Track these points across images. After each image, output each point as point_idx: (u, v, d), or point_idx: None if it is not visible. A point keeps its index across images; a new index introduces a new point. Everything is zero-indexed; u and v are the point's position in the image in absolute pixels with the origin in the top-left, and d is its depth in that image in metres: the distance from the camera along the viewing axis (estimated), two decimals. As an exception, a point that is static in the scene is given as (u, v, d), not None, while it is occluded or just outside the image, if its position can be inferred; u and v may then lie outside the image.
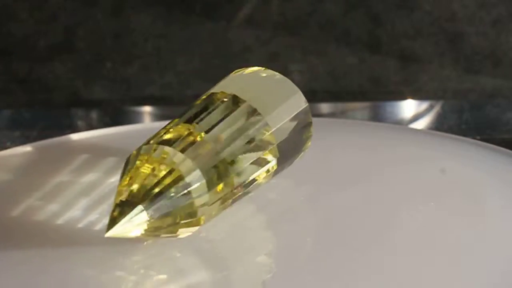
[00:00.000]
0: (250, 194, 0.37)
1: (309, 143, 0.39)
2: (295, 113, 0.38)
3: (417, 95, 0.69)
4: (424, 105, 0.69)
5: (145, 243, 0.35)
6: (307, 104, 0.39)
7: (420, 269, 0.33)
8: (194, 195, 0.33)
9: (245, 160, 0.36)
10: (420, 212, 0.38)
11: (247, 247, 0.36)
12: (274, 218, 0.38)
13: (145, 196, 0.33)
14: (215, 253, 0.35)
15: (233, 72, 0.40)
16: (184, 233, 0.34)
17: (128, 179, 0.33)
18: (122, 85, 0.70)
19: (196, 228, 0.34)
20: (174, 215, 0.33)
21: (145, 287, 0.33)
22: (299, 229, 0.37)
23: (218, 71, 0.68)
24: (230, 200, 0.36)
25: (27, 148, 0.48)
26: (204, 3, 0.68)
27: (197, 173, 0.34)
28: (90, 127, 0.68)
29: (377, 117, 0.69)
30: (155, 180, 0.33)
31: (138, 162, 0.34)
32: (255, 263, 0.34)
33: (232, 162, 0.35)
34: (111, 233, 0.32)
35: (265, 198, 0.39)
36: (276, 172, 0.38)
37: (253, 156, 0.36)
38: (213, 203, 0.34)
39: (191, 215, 0.33)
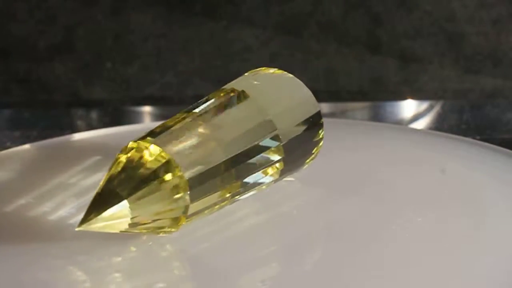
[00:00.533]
0: (251, 193, 0.37)
1: (321, 145, 0.39)
2: (304, 114, 0.38)
3: (417, 95, 0.69)
4: (424, 105, 0.69)
5: (136, 238, 0.35)
6: (318, 109, 0.39)
7: (421, 270, 0.33)
8: (178, 191, 0.33)
9: (246, 157, 0.36)
10: (420, 212, 0.38)
11: (245, 246, 0.36)
12: (270, 218, 0.38)
13: (126, 189, 0.32)
14: (213, 250, 0.35)
15: (249, 71, 0.40)
16: (170, 229, 0.34)
17: (111, 173, 0.33)
18: (122, 85, 0.70)
19: (180, 225, 0.34)
20: (157, 210, 0.33)
21: (133, 281, 0.33)
22: (298, 229, 0.37)
23: (218, 71, 0.69)
24: (228, 195, 0.35)
25: (27, 148, 0.48)
26: (204, 3, 0.68)
27: (186, 169, 0.33)
28: (90, 127, 0.68)
29: (377, 117, 0.69)
30: (139, 174, 0.33)
31: (125, 157, 0.34)
32: (255, 262, 0.34)
33: (232, 159, 0.35)
34: (84, 226, 0.32)
35: (261, 197, 0.39)
36: (283, 172, 0.38)
37: (255, 153, 0.36)
38: (203, 199, 0.34)
39: (176, 211, 0.33)
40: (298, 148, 0.38)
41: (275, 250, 0.35)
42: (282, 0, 0.68)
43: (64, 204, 0.39)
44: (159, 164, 0.33)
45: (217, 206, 0.36)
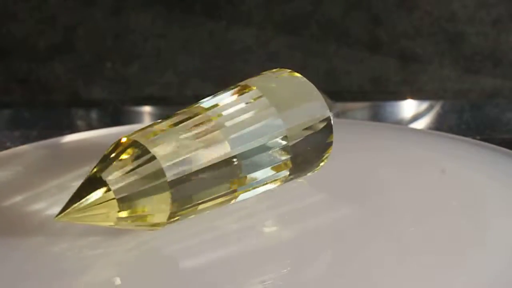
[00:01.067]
0: (255, 192, 0.37)
1: (330, 151, 0.39)
2: (314, 118, 0.38)
3: (417, 95, 0.69)
4: (424, 105, 0.69)
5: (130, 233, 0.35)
6: (329, 114, 0.39)
7: (420, 269, 0.33)
8: (160, 190, 0.33)
9: (252, 156, 0.36)
10: (420, 212, 0.38)
11: (246, 246, 0.36)
12: (271, 218, 0.38)
13: (112, 178, 0.33)
14: (213, 249, 0.35)
15: (265, 71, 0.40)
16: (156, 226, 0.34)
17: (100, 164, 0.33)
18: (122, 85, 0.70)
19: (165, 222, 0.34)
20: (142, 206, 0.33)
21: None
22: (299, 230, 0.37)
23: (218, 71, 0.69)
24: (228, 192, 0.35)
25: (27, 148, 0.48)
26: (204, 3, 0.68)
27: (168, 168, 0.33)
28: (90, 127, 0.68)
29: (377, 117, 0.69)
30: (128, 166, 0.33)
31: (113, 151, 0.34)
32: (255, 262, 0.34)
33: (236, 157, 0.35)
34: (65, 214, 0.32)
35: (263, 197, 0.39)
36: (291, 173, 0.38)
37: (261, 153, 0.36)
38: (193, 196, 0.34)
39: (161, 208, 0.33)
40: (307, 151, 0.38)
41: (276, 251, 0.35)
42: (282, 0, 0.68)
43: (64, 204, 0.39)
44: (141, 161, 0.33)
45: (213, 203, 0.35)
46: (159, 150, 0.34)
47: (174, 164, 0.34)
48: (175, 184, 0.33)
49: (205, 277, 0.33)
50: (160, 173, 0.33)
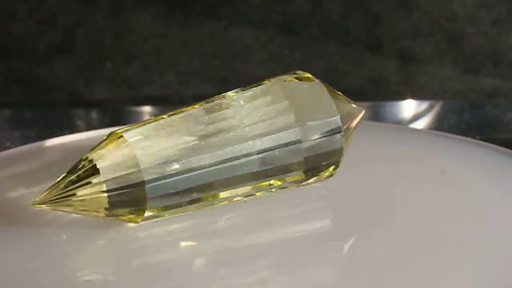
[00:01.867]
0: (259, 194, 0.37)
1: (341, 159, 0.39)
2: (326, 122, 0.38)
3: (417, 95, 0.69)
4: (424, 105, 0.69)
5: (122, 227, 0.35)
6: (340, 123, 0.39)
7: (419, 269, 0.33)
8: (137, 188, 0.33)
9: (262, 156, 0.36)
10: (419, 212, 0.38)
11: (246, 247, 0.36)
12: (272, 220, 0.38)
13: (104, 172, 0.33)
14: (212, 249, 0.35)
15: (289, 73, 0.40)
16: (135, 219, 0.34)
17: (88, 156, 0.34)
18: (122, 85, 0.70)
19: (142, 217, 0.34)
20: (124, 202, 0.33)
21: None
22: (299, 231, 0.37)
23: (218, 71, 0.69)
24: (227, 190, 0.36)
25: (27, 148, 0.48)
26: (204, 3, 0.68)
27: (147, 169, 0.34)
28: (90, 127, 0.68)
29: (377, 117, 0.69)
30: (114, 160, 0.34)
31: (105, 142, 0.35)
32: (255, 263, 0.34)
33: (242, 156, 0.35)
34: (41, 198, 0.33)
35: (266, 198, 0.39)
36: (306, 175, 0.38)
37: (272, 154, 0.36)
38: (181, 195, 0.34)
39: (137, 204, 0.34)
40: (320, 155, 0.38)
41: (277, 252, 0.35)
42: (282, 0, 0.68)
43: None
44: (122, 158, 0.34)
45: (206, 202, 0.36)
46: (142, 151, 0.34)
47: (155, 165, 0.34)
48: (152, 182, 0.34)
49: (208, 277, 0.33)
50: (138, 172, 0.34)
